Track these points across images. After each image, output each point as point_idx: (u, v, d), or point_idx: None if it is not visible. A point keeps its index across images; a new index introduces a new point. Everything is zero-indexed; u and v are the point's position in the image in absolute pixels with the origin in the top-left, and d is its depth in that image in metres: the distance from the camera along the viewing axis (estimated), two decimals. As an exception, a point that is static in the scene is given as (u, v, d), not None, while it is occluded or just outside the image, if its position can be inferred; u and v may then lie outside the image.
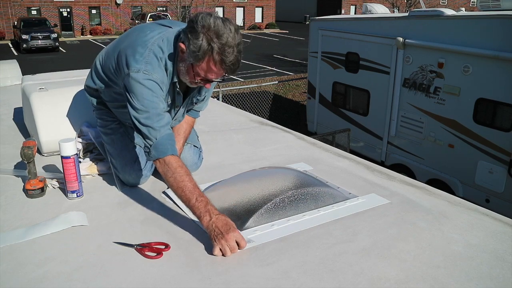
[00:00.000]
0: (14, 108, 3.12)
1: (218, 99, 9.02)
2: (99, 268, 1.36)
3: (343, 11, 37.12)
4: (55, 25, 24.78)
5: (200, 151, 2.19)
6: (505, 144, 5.25)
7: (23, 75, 3.38)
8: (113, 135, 1.99)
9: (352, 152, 6.43)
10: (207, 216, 1.46)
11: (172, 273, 1.34)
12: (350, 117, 7.66)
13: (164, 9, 28.98)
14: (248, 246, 1.47)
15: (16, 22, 24.13)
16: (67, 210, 1.73)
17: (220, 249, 1.42)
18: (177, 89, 1.79)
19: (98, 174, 2.08)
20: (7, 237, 1.53)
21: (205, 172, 2.13)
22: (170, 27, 1.79)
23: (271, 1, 35.71)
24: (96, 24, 29.38)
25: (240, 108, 2.99)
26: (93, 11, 29.28)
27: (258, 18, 35.39)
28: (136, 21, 23.63)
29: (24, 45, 21.36)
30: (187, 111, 2.03)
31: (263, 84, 11.48)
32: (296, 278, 1.31)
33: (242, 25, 32.90)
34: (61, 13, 28.20)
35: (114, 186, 1.96)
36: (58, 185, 1.93)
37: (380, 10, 8.56)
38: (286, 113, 10.88)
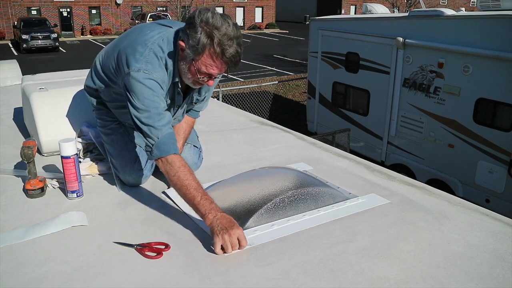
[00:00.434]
0: (14, 108, 3.12)
1: (218, 99, 9.02)
2: (99, 268, 1.36)
3: (343, 11, 37.12)
4: (55, 25, 24.78)
5: (200, 151, 2.19)
6: (505, 144, 5.25)
7: (23, 75, 3.38)
8: (113, 135, 1.99)
9: (352, 152, 6.42)
10: (212, 213, 1.48)
11: (172, 273, 1.34)
12: (350, 117, 7.66)
13: (164, 9, 28.99)
14: (248, 247, 1.47)
15: (16, 22, 24.13)
16: (67, 210, 1.73)
17: (221, 247, 1.42)
18: (178, 89, 1.79)
19: (98, 174, 2.08)
20: (7, 237, 1.53)
21: (205, 172, 2.13)
22: (170, 27, 1.78)
23: (271, 1, 35.71)
24: (96, 24, 29.38)
25: (240, 108, 2.99)
26: (93, 11, 29.28)
27: (258, 18, 35.38)
28: (136, 21, 23.62)
29: (24, 45, 21.35)
30: (187, 111, 2.03)
31: (263, 84, 11.48)
32: (296, 278, 1.31)
33: (242, 25, 32.92)
34: (61, 13, 28.20)
35: (114, 186, 1.96)
36: (58, 185, 1.93)
37: (380, 10, 8.56)
38: (286, 113, 10.87)
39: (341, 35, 7.52)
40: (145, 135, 1.64)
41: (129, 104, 1.67)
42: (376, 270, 1.36)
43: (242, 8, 34.43)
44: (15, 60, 4.45)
